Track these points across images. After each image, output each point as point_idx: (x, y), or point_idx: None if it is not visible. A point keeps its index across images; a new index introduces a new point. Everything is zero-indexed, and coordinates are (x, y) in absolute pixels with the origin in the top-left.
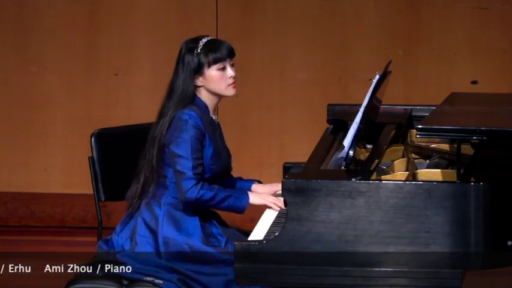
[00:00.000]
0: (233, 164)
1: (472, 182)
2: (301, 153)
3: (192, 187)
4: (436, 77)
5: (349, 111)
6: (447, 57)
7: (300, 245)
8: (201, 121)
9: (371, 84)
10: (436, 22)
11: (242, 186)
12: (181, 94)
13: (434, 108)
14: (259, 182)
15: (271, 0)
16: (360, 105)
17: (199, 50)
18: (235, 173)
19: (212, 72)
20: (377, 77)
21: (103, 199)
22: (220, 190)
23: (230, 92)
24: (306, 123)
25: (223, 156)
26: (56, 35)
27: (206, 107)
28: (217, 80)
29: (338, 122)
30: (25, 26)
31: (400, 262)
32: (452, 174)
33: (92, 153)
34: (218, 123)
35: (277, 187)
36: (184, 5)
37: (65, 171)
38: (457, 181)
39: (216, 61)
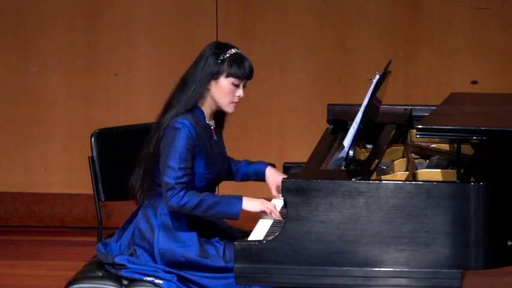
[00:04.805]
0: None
1: (472, 182)
2: (301, 153)
3: (174, 195)
4: (436, 77)
5: (349, 111)
6: (447, 57)
7: (300, 245)
8: (194, 130)
9: (371, 84)
10: (436, 22)
11: (255, 169)
12: (194, 92)
13: (434, 108)
14: (273, 165)
15: (271, 0)
16: (360, 105)
17: (224, 57)
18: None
19: (225, 83)
20: (377, 77)
21: (103, 199)
22: (207, 196)
23: (230, 109)
24: (306, 123)
25: (218, 162)
26: (56, 35)
27: (203, 113)
28: (225, 92)
29: (338, 122)
30: (25, 25)
31: (400, 262)
32: (452, 174)
33: (92, 153)
34: (214, 128)
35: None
36: (184, 5)
37: (65, 171)
38: (457, 181)
39: (235, 75)
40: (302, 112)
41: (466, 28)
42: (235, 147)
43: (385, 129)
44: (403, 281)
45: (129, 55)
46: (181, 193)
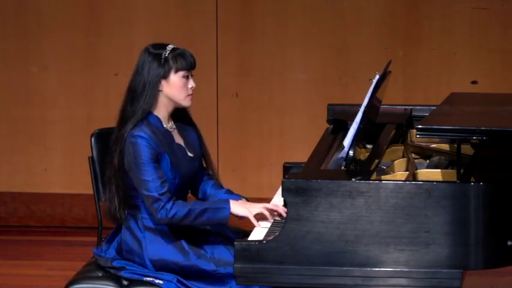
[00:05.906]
0: (234, 164)
1: (472, 182)
2: (301, 153)
3: (161, 208)
4: (436, 77)
5: (349, 111)
6: (447, 57)
7: (300, 245)
8: (152, 139)
9: (371, 84)
10: (436, 22)
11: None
12: (146, 98)
13: (434, 108)
14: (247, 199)
15: (271, 0)
16: (360, 105)
17: (167, 55)
18: (235, 174)
19: (176, 78)
20: (377, 77)
21: (103, 199)
22: (195, 205)
23: (187, 102)
24: (306, 123)
25: (182, 166)
26: (56, 35)
27: (158, 119)
28: (179, 87)
29: (338, 122)
30: (25, 26)
31: (400, 262)
32: (452, 174)
33: (92, 153)
34: (176, 130)
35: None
36: (184, 5)
37: (65, 171)
38: (457, 181)
39: (183, 68)
40: (302, 112)
41: (466, 28)
42: (235, 148)
43: (385, 129)
44: (403, 281)
45: (129, 55)
46: (168, 205)
